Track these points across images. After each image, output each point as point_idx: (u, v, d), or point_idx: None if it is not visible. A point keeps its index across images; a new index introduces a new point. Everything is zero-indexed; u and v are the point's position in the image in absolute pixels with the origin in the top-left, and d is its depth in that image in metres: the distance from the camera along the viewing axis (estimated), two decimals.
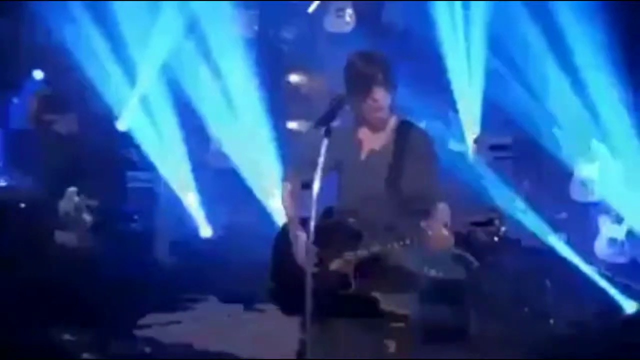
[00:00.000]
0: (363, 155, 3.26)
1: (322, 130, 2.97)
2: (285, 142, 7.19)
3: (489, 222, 2.89)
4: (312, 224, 2.85)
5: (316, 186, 2.87)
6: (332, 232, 3.11)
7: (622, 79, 6.16)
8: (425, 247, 2.98)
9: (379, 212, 3.11)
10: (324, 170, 2.99)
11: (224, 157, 7.28)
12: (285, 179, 3.49)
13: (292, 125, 7.79)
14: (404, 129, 3.24)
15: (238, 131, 7.24)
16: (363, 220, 3.12)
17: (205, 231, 7.31)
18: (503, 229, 2.89)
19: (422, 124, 6.81)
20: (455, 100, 6.87)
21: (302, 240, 3.17)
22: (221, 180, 7.25)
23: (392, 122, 3.26)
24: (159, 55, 6.78)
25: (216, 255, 7.15)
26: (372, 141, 3.26)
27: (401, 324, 3.15)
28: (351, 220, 3.14)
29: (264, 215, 6.93)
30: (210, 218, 7.21)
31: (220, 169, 7.38)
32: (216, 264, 7.04)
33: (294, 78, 7.97)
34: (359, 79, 3.13)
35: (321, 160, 2.90)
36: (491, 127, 6.74)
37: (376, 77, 3.11)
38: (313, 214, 2.86)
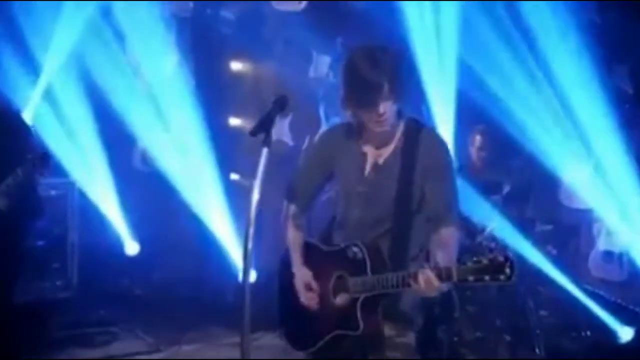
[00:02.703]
0: (367, 170, 3.03)
1: (261, 138, 2.80)
2: (225, 144, 6.68)
3: (499, 267, 2.55)
4: (251, 230, 2.75)
5: (255, 196, 2.75)
6: (334, 261, 3.01)
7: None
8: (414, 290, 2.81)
9: (385, 238, 2.97)
10: (315, 182, 3.13)
11: (151, 160, 6.64)
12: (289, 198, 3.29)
13: (234, 123, 7.25)
14: (413, 135, 3.00)
15: (167, 131, 6.59)
16: (367, 248, 2.93)
17: (131, 247, 6.58)
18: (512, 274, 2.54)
19: None
20: (425, 93, 6.20)
21: (302, 273, 3.10)
22: (147, 188, 6.65)
23: (399, 128, 3.02)
24: (70, 40, 6.00)
25: (140, 276, 6.72)
26: (377, 152, 3.03)
27: None
28: (355, 249, 2.94)
29: (196, 228, 6.49)
30: (136, 232, 6.57)
31: (147, 174, 6.76)
32: (140, 285, 6.69)
33: (235, 66, 7.40)
34: (363, 89, 2.85)
35: (260, 170, 2.73)
36: (466, 123, 6.09)
37: (382, 87, 2.83)
38: (251, 230, 2.74)
